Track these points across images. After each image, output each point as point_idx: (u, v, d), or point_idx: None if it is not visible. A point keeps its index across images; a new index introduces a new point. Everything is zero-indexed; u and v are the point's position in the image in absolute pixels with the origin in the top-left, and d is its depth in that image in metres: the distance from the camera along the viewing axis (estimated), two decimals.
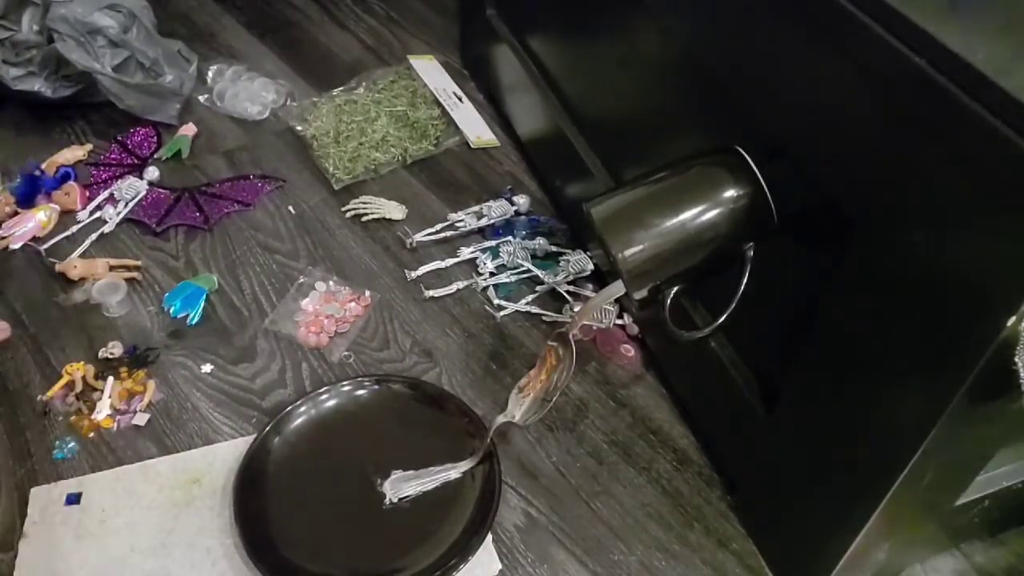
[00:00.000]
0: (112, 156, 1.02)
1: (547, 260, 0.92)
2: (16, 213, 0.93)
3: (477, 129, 1.09)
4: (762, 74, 0.56)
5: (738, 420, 0.69)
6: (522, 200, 0.97)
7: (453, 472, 0.71)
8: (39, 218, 0.92)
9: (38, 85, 1.01)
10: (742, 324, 0.61)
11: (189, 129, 1.06)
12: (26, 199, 0.95)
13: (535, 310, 0.87)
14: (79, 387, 0.77)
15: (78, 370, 0.78)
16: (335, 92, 1.12)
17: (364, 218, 0.96)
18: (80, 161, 1.01)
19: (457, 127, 1.08)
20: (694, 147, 0.62)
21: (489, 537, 0.68)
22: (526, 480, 0.74)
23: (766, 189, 0.57)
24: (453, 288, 0.89)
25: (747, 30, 0.57)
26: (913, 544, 0.66)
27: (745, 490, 0.72)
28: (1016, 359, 0.43)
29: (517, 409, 0.73)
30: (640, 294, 0.62)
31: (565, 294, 0.88)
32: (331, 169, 1.01)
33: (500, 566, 0.68)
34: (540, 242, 0.92)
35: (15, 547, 0.67)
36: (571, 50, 0.92)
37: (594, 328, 0.85)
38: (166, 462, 0.73)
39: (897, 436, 0.51)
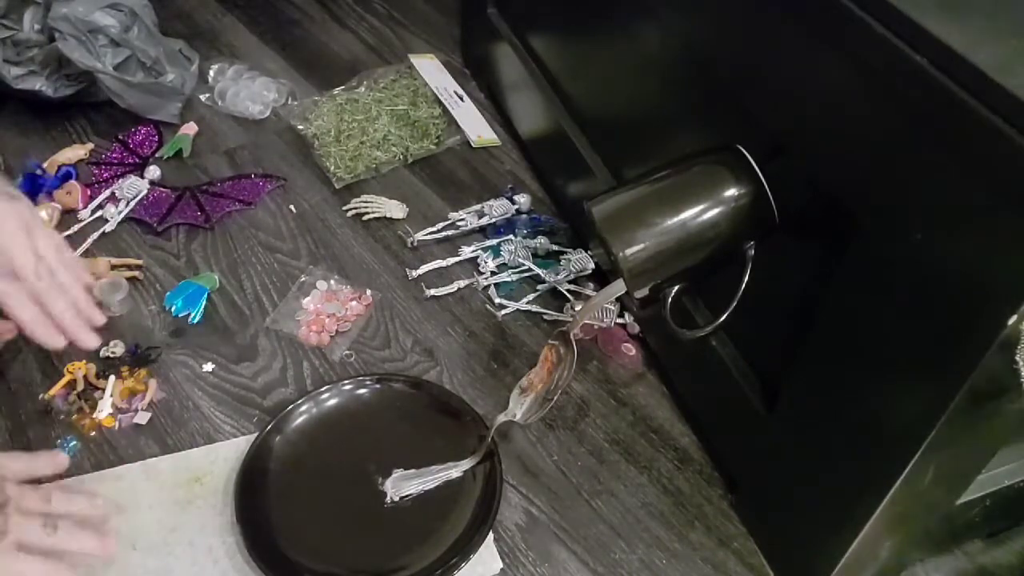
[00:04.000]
0: (113, 155, 1.02)
1: (548, 259, 0.92)
2: None
3: (478, 128, 1.09)
4: (763, 72, 0.56)
5: (739, 419, 0.69)
6: (523, 199, 0.97)
7: (454, 471, 0.71)
8: (41, 217, 0.92)
9: (39, 84, 1.01)
10: (743, 323, 0.61)
11: (190, 128, 1.06)
12: (27, 198, 0.95)
13: (536, 309, 0.87)
14: (81, 386, 0.77)
15: (80, 369, 0.78)
16: (336, 91, 1.12)
17: (365, 217, 0.97)
18: (81, 160, 1.01)
19: (458, 126, 1.08)
20: (695, 146, 0.62)
21: (490, 536, 0.68)
22: (527, 479, 0.74)
23: (767, 188, 0.57)
24: (454, 287, 0.89)
25: (748, 28, 0.57)
26: (914, 543, 0.66)
27: (746, 489, 0.72)
28: (1017, 358, 0.43)
29: (518, 408, 0.73)
30: (641, 293, 0.62)
31: (566, 293, 0.88)
32: (332, 168, 1.01)
33: (501, 565, 0.68)
34: (541, 241, 0.92)
35: None
36: (572, 49, 0.92)
37: (595, 327, 0.85)
38: (168, 461, 0.73)
39: (898, 435, 0.51)
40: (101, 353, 0.80)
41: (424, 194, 1.00)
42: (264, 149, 1.05)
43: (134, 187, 0.97)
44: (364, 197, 0.98)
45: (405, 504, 0.70)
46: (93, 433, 0.75)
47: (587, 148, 0.88)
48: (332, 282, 0.89)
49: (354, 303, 0.87)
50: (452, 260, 0.91)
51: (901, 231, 0.46)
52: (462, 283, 0.89)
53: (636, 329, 0.85)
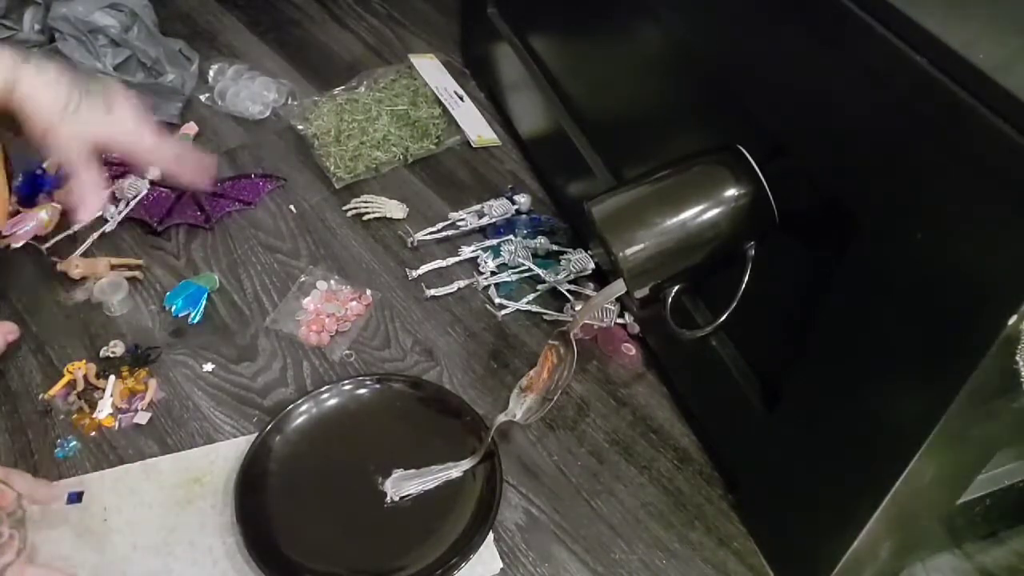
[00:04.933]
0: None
1: (548, 259, 0.92)
2: (18, 212, 0.93)
3: (478, 128, 1.09)
4: (763, 72, 0.56)
5: (739, 419, 0.69)
6: (523, 199, 0.97)
7: (454, 471, 0.71)
8: (41, 217, 0.92)
9: None
10: (743, 323, 0.61)
11: (190, 128, 1.06)
12: (28, 198, 0.95)
13: (536, 309, 0.87)
14: (81, 386, 0.77)
15: (80, 369, 0.78)
16: (336, 91, 1.12)
17: (365, 217, 0.97)
18: None
19: (458, 126, 1.08)
20: (695, 146, 0.62)
21: (490, 536, 0.68)
22: (527, 479, 0.74)
23: (767, 188, 0.57)
24: (454, 287, 0.89)
25: (748, 28, 0.57)
26: (914, 543, 0.66)
27: (746, 489, 0.72)
28: (1017, 358, 0.43)
29: (518, 408, 0.73)
30: (641, 293, 0.62)
31: (566, 293, 0.88)
32: (332, 168, 1.01)
33: (501, 565, 0.68)
34: (541, 241, 0.92)
35: None
36: (572, 49, 0.92)
37: (595, 327, 0.85)
38: (168, 461, 0.73)
39: (898, 435, 0.51)
40: (101, 353, 0.81)
41: (424, 194, 1.00)
42: (264, 149, 1.05)
43: (134, 187, 0.96)
44: (364, 197, 0.98)
45: (405, 504, 0.70)
46: (93, 433, 0.75)
47: (587, 148, 0.88)
48: (332, 282, 0.89)
49: (354, 303, 0.87)
50: (452, 260, 0.91)
51: (901, 231, 0.46)
52: (462, 283, 0.89)
53: (636, 329, 0.85)
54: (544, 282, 0.89)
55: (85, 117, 0.65)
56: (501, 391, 0.79)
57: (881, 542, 0.60)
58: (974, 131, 0.40)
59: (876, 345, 0.51)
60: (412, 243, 0.93)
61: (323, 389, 0.76)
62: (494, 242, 0.93)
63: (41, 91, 0.63)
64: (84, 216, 0.67)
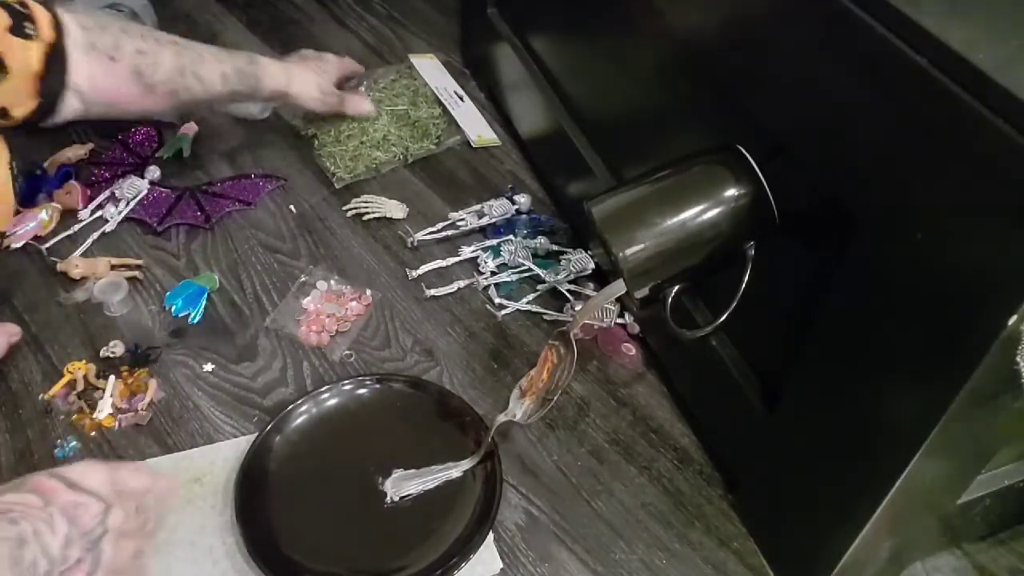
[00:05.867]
0: (113, 155, 1.02)
1: (548, 259, 0.92)
2: (18, 212, 0.93)
3: (478, 128, 1.09)
4: (763, 73, 0.56)
5: (739, 419, 0.69)
6: (523, 199, 0.97)
7: (454, 471, 0.71)
8: (41, 217, 0.92)
9: None
10: (743, 323, 0.61)
11: (190, 128, 1.06)
12: (28, 198, 0.95)
13: (536, 309, 0.87)
14: (81, 386, 0.77)
15: (79, 369, 0.78)
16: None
17: (365, 217, 0.97)
18: (82, 160, 1.01)
19: (458, 126, 1.08)
20: (695, 146, 0.62)
21: (490, 536, 0.68)
22: (527, 479, 0.74)
23: (767, 188, 0.57)
24: (454, 287, 0.89)
25: (748, 28, 0.57)
26: (914, 543, 0.66)
27: (746, 489, 0.72)
28: (1017, 358, 0.43)
29: (518, 408, 0.73)
30: (641, 293, 0.62)
31: (566, 293, 0.88)
32: (332, 168, 1.01)
33: (501, 565, 0.68)
34: (541, 241, 0.92)
35: None
36: (572, 49, 0.92)
37: (595, 327, 0.85)
38: (168, 461, 0.73)
39: (898, 435, 0.51)
40: (101, 353, 0.81)
41: (424, 194, 1.00)
42: (264, 149, 1.05)
43: (134, 187, 0.96)
44: (364, 197, 0.98)
45: (405, 504, 0.70)
46: (93, 433, 0.75)
47: (587, 148, 0.88)
48: (332, 282, 0.89)
49: (354, 303, 0.86)
50: (452, 260, 0.91)
51: (901, 231, 0.46)
52: (462, 283, 0.89)
53: (636, 329, 0.85)
54: (544, 282, 0.89)
55: (322, 68, 0.98)
56: (501, 391, 0.79)
57: (881, 542, 0.60)
58: (974, 131, 0.40)
59: (876, 345, 0.51)
60: (412, 243, 0.93)
61: (323, 389, 0.77)
62: (494, 242, 0.93)
63: (305, 81, 0.95)
64: (367, 109, 1.04)
